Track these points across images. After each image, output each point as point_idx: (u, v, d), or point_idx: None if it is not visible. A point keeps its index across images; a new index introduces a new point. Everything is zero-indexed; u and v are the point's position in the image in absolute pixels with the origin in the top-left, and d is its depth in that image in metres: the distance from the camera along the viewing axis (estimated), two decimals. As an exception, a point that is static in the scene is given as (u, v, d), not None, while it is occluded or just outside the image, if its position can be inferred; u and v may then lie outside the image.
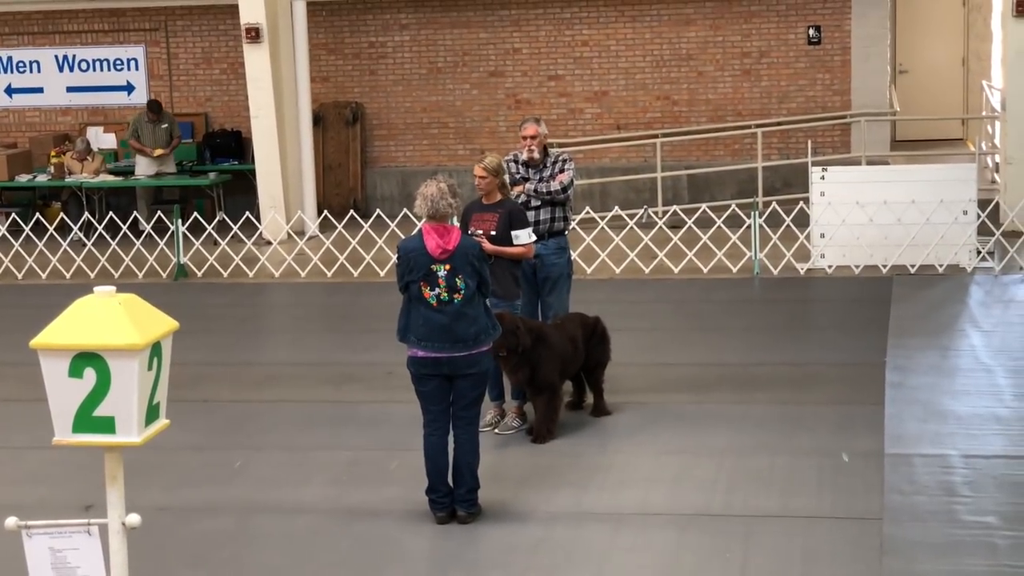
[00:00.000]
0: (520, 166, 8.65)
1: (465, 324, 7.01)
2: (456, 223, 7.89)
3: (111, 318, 4.26)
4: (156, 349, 4.35)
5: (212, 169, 18.07)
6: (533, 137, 8.55)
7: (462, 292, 6.98)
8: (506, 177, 9.39)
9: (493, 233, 8.96)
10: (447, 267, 6.97)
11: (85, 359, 4.23)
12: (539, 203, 8.66)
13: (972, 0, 20.25)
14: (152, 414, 4.43)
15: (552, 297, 8.68)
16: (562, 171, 8.70)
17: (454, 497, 7.06)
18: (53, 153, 18.14)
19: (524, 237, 9.03)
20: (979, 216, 13.87)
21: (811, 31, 17.95)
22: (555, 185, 9.05)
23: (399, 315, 6.99)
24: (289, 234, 16.04)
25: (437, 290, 6.97)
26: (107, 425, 4.30)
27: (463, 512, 7.00)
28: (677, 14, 18.29)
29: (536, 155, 8.53)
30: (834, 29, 17.91)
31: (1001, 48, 16.41)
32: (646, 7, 18.36)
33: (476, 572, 6.48)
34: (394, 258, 7.38)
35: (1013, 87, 15.47)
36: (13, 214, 17.36)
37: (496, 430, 9.02)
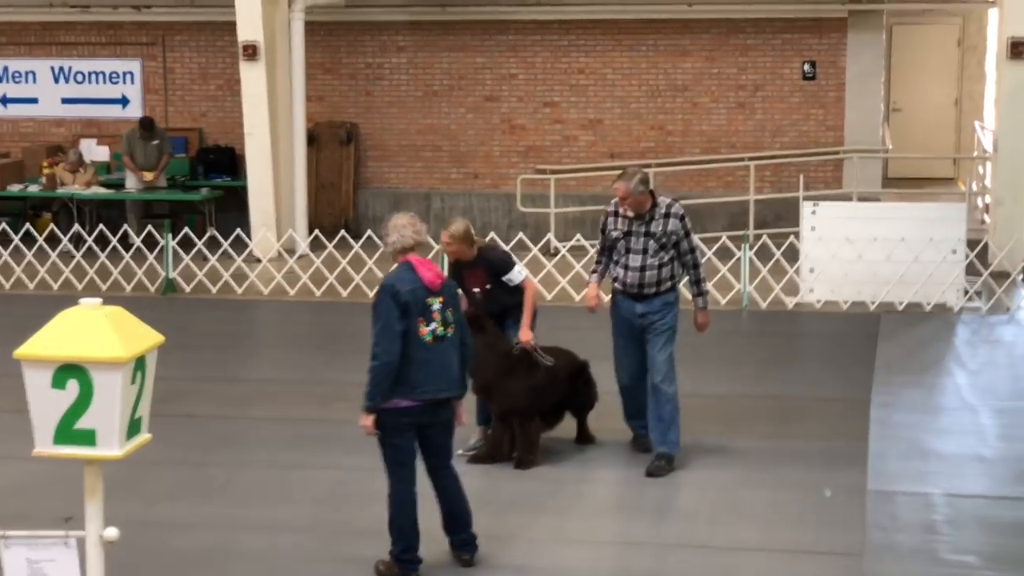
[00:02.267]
0: (621, 219, 8.04)
1: (455, 362, 6.75)
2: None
3: (96, 330, 4.28)
4: (140, 363, 4.37)
5: (204, 185, 18.08)
6: (624, 198, 7.92)
7: (453, 325, 6.71)
8: (474, 237, 9.19)
9: (488, 287, 8.84)
10: (440, 300, 6.66)
11: (68, 371, 4.25)
12: (643, 247, 8.03)
13: (967, 41, 20.55)
14: (134, 428, 4.44)
15: (660, 352, 8.16)
16: (668, 218, 8.02)
17: (457, 541, 6.82)
18: (45, 164, 18.22)
19: (517, 276, 8.82)
20: (967, 256, 13.95)
21: (806, 67, 18.06)
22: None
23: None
24: (279, 252, 15.98)
25: (433, 324, 6.62)
26: (88, 438, 4.31)
27: (468, 555, 6.79)
28: (673, 45, 18.32)
29: (631, 214, 7.93)
30: (829, 65, 18.02)
31: (995, 90, 16.74)
32: (643, 36, 18.38)
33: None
34: (374, 293, 6.93)
35: (1005, 128, 15.60)
36: (3, 223, 16.56)
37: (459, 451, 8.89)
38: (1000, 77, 15.93)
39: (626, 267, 7.94)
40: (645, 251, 7.90)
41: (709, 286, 8.73)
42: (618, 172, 8.31)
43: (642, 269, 7.92)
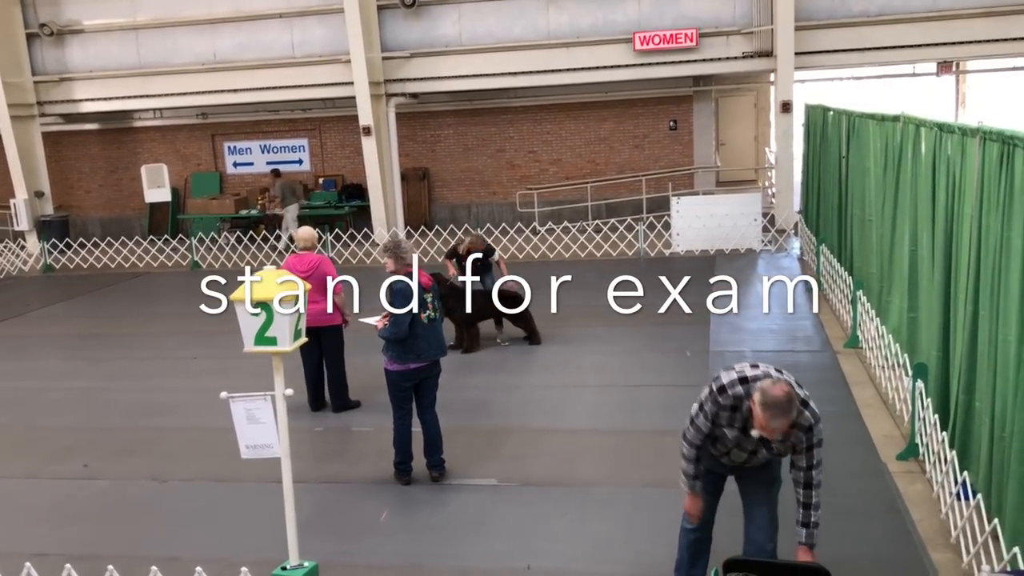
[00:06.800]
0: (740, 416, 5.10)
1: (441, 335, 6.96)
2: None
3: (272, 282, 5.09)
4: (296, 299, 5.17)
5: (346, 205, 21.76)
6: (777, 432, 4.93)
7: (438, 311, 6.94)
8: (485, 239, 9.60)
9: (480, 257, 10.35)
10: (430, 295, 6.92)
11: (260, 304, 5.04)
12: (752, 449, 5.21)
13: (759, 104, 23.73)
14: (297, 335, 5.15)
15: (759, 506, 5.34)
16: (792, 429, 4.97)
17: (431, 463, 7.10)
18: (259, 198, 22.09)
19: (495, 256, 9.42)
20: (763, 221, 16.82)
21: (671, 122, 21.76)
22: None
23: (388, 347, 6.74)
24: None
25: (428, 311, 6.87)
26: (272, 341, 5.08)
27: (437, 473, 7.10)
28: (598, 115, 21.92)
29: (778, 437, 4.98)
30: (684, 121, 21.68)
31: (775, 130, 19.83)
32: (581, 111, 22.01)
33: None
34: (386, 291, 6.77)
35: (780, 152, 19.03)
36: (238, 231, 21.52)
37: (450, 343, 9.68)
38: (777, 124, 19.12)
39: (727, 454, 5.24)
40: (754, 453, 5.19)
41: (819, 516, 5.07)
42: (774, 402, 4.84)
43: (742, 465, 5.31)
